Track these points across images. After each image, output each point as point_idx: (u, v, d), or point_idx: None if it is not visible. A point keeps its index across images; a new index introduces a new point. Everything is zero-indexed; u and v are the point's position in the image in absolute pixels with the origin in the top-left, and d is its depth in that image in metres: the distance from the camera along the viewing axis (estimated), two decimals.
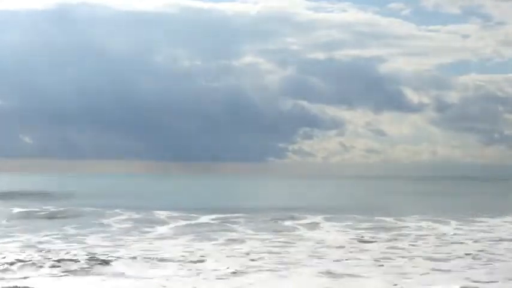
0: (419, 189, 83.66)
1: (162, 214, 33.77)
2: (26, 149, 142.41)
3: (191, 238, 24.04)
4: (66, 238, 23.46)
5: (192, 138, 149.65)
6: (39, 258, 17.35)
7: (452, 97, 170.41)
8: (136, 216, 33.03)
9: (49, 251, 19.11)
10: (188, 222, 30.64)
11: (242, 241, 23.07)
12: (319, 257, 19.02)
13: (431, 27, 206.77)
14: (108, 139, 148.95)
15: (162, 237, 24.32)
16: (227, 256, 18.96)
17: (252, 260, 18.23)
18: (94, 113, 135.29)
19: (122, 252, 19.45)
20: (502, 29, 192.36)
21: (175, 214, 33.81)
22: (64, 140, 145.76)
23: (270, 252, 19.83)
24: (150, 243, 22.12)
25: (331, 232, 26.47)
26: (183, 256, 18.78)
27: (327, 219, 32.07)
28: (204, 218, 32.19)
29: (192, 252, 19.79)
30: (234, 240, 23.29)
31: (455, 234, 26.14)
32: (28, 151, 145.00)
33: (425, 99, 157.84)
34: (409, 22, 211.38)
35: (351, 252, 20.36)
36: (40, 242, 21.93)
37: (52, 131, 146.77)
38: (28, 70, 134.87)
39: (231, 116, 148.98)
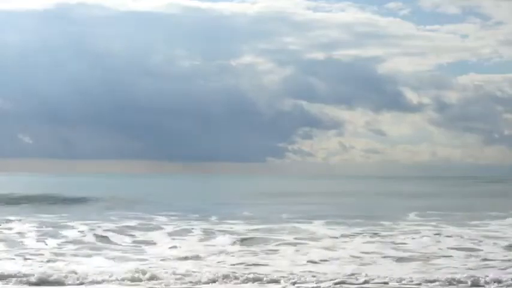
0: (419, 190, 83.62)
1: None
2: (25, 149, 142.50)
3: None
4: None
5: (192, 138, 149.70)
6: None
7: (451, 97, 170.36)
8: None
9: None
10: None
11: None
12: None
13: (430, 27, 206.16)
14: (108, 139, 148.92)
15: None
16: None
17: None
18: (94, 113, 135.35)
19: None
20: (501, 29, 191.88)
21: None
22: (64, 140, 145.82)
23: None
24: None
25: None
26: None
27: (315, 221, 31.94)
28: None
29: None
30: None
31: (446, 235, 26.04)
32: (28, 151, 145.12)
33: (425, 99, 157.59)
34: (407, 22, 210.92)
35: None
36: None
37: (52, 131, 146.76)
38: (27, 70, 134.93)
39: (230, 116, 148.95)
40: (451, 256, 20.14)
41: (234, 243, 23.15)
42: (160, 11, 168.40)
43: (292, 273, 16.54)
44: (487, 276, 16.27)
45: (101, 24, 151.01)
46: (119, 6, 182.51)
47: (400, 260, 19.37)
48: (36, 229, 26.57)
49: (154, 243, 22.97)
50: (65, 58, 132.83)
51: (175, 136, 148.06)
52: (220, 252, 20.65)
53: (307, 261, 18.87)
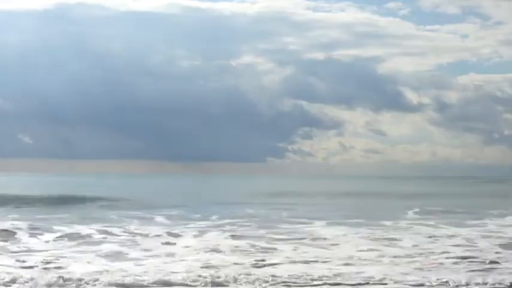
0: (419, 190, 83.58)
1: None
2: (25, 149, 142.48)
3: None
4: None
5: (192, 138, 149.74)
6: None
7: (451, 97, 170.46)
8: None
9: None
10: None
11: None
12: None
13: (429, 27, 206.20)
14: (108, 139, 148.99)
15: None
16: None
17: None
18: (94, 113, 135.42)
19: None
20: (501, 29, 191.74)
21: None
22: (64, 140, 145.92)
23: None
24: None
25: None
26: None
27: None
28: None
29: None
30: None
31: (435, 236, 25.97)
32: (28, 151, 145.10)
33: (425, 99, 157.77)
34: (407, 22, 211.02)
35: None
36: None
37: (52, 131, 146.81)
38: (27, 70, 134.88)
39: (230, 116, 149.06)
40: (450, 256, 20.07)
41: (232, 241, 23.10)
42: (160, 11, 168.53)
43: (288, 273, 16.50)
44: (485, 277, 16.28)
45: (101, 24, 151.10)
46: (119, 6, 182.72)
47: (399, 259, 19.30)
48: (33, 228, 26.51)
49: (153, 243, 22.88)
50: (65, 58, 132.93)
51: (175, 136, 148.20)
52: (219, 251, 20.60)
53: (305, 261, 18.81)
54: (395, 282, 15.72)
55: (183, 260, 18.76)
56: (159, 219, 32.96)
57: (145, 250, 20.96)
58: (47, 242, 22.97)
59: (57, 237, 24.07)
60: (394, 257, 19.72)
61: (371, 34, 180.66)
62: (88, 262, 18.27)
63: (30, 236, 24.24)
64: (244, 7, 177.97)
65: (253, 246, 21.93)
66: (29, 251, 20.55)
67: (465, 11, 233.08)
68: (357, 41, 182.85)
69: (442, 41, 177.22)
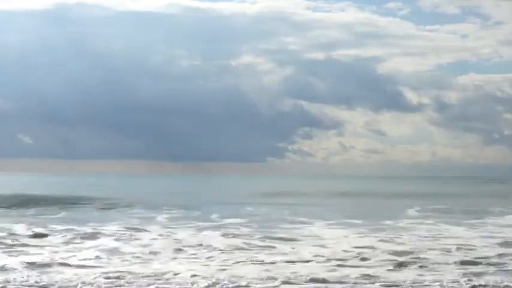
0: (419, 190, 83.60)
1: None
2: (25, 149, 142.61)
3: None
4: None
5: (192, 138, 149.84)
6: None
7: (451, 97, 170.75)
8: None
9: None
10: None
11: None
12: None
13: (430, 27, 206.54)
14: (108, 139, 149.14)
15: None
16: None
17: None
18: (94, 113, 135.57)
19: None
20: (501, 29, 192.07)
21: None
22: (64, 140, 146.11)
23: None
24: None
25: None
26: None
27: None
28: None
29: None
30: None
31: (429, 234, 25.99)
32: (28, 151, 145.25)
33: (425, 99, 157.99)
34: (407, 22, 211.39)
35: None
36: None
37: (52, 131, 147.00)
38: (27, 70, 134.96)
39: (230, 116, 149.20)
40: (449, 255, 20.08)
41: (231, 240, 23.10)
42: (160, 11, 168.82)
43: (287, 272, 16.51)
44: (484, 277, 16.30)
45: (101, 24, 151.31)
46: (119, 6, 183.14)
47: (398, 258, 19.30)
48: (33, 228, 26.51)
49: (152, 242, 22.88)
50: (65, 58, 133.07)
51: (175, 136, 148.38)
52: (218, 250, 20.60)
53: (305, 260, 18.81)
54: (394, 281, 15.72)
55: (182, 260, 18.78)
56: (159, 218, 33.01)
57: (144, 248, 20.97)
58: (45, 241, 22.95)
59: (56, 237, 24.07)
60: (394, 255, 19.74)
61: (371, 34, 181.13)
62: (87, 261, 18.30)
63: (29, 236, 24.22)
64: (244, 7, 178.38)
65: (252, 245, 21.95)
66: (28, 250, 20.57)
67: (465, 11, 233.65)
68: (357, 41, 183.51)
69: (442, 41, 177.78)
